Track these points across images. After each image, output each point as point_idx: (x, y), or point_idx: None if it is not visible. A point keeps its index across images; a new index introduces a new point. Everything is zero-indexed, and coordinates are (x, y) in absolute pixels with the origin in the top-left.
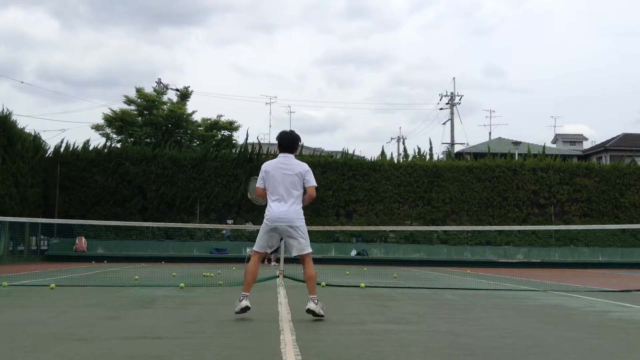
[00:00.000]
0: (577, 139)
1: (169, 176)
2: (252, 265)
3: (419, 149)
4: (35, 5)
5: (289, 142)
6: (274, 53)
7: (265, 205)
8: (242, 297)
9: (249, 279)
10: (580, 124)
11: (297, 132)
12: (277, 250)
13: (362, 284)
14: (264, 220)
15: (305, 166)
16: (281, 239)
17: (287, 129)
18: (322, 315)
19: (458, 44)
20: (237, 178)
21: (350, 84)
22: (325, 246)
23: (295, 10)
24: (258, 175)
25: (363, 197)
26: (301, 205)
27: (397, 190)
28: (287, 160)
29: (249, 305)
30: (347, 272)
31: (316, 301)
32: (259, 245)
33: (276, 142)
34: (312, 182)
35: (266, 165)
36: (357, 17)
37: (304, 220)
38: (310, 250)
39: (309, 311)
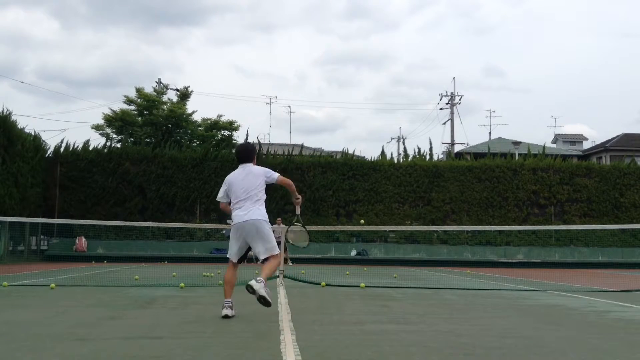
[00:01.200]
0: (577, 139)
1: (169, 176)
2: (227, 274)
3: (419, 149)
4: (35, 5)
5: (244, 153)
6: (274, 53)
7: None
8: (224, 305)
9: (226, 287)
10: (580, 124)
11: (297, 132)
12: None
13: (362, 284)
14: (231, 228)
15: (263, 169)
16: (249, 249)
17: (243, 142)
18: (263, 296)
19: (458, 44)
20: None
21: (350, 84)
22: (325, 246)
23: (295, 11)
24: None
25: (363, 197)
26: (263, 209)
27: (397, 190)
28: (245, 169)
29: (229, 315)
30: (347, 272)
31: (260, 281)
32: (229, 252)
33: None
34: (274, 175)
35: (228, 178)
36: (357, 17)
37: (267, 223)
38: (276, 252)
39: (248, 287)
